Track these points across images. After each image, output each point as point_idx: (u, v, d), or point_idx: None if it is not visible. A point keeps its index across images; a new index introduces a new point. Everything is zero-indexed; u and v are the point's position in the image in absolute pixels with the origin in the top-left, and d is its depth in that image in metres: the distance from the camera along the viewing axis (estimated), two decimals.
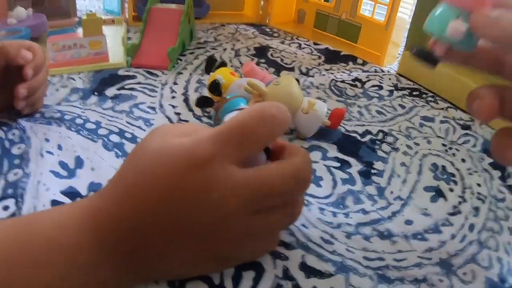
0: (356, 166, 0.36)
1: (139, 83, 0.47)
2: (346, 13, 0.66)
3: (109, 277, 0.21)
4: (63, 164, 0.32)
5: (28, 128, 0.36)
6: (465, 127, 0.46)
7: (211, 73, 0.43)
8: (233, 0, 0.76)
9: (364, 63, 0.60)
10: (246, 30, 0.69)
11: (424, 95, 0.52)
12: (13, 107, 0.35)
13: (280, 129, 0.23)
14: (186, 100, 0.44)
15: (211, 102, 0.41)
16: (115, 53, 0.53)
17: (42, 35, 0.58)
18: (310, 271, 0.26)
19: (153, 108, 0.42)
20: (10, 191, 0.29)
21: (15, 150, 0.33)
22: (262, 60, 0.56)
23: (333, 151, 0.38)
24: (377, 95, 0.50)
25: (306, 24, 0.74)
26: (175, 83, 0.48)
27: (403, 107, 0.48)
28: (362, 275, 0.26)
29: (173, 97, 0.44)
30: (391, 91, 0.52)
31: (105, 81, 0.46)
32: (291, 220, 0.26)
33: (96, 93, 0.43)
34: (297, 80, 0.40)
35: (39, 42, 0.57)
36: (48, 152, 0.33)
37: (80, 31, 0.53)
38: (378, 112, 0.46)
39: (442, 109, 0.50)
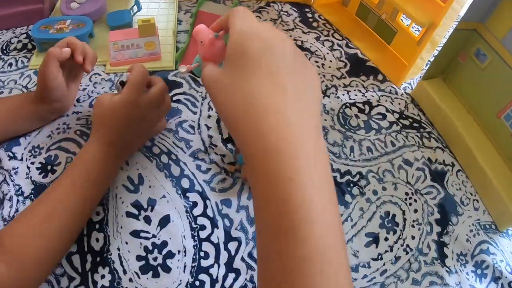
0: None
1: (184, 93, 0.57)
2: (386, 14, 0.68)
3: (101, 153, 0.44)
4: (130, 180, 0.47)
5: None
6: (438, 175, 0.55)
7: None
8: None
9: (384, 80, 0.65)
10: (289, 14, 0.73)
11: (422, 129, 0.59)
12: None
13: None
14: (218, 121, 0.55)
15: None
16: (166, 39, 0.62)
17: (101, 17, 0.66)
18: None
19: (192, 128, 0.53)
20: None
21: None
22: None
23: None
24: (376, 127, 0.58)
25: (350, 9, 0.75)
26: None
27: (393, 144, 0.57)
28: None
29: (209, 116, 0.55)
30: (391, 123, 0.59)
31: None
32: (167, 108, 0.49)
33: None
34: None
35: (99, 23, 0.66)
36: (120, 168, 0.48)
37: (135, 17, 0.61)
38: (368, 149, 0.55)
39: (431, 148, 0.57)
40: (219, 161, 0.50)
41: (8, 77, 0.59)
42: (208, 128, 0.54)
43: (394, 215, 0.50)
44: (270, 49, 0.31)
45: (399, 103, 0.62)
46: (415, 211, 0.51)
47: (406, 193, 0.52)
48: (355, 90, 0.63)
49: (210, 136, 0.53)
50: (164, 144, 0.51)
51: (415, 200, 0.52)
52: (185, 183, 0.48)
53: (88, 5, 0.66)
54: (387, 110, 0.61)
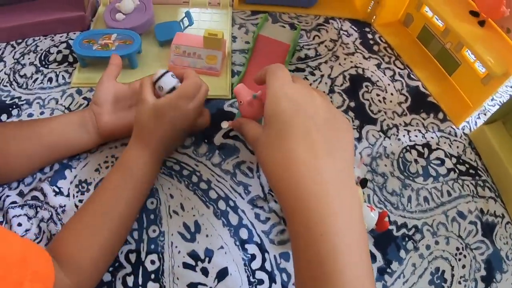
0: (379, 262, 0.50)
1: None
2: (451, 44, 0.65)
3: (145, 157, 0.46)
4: (186, 227, 0.47)
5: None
6: (488, 228, 0.56)
7: None
8: None
9: (444, 119, 0.64)
10: (349, 35, 0.69)
11: (477, 177, 0.59)
12: None
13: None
14: None
15: None
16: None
17: (148, 29, 0.63)
18: None
19: (251, 170, 0.52)
20: (152, 246, 0.45)
21: (149, 205, 0.48)
22: (352, 104, 0.62)
23: (369, 243, 0.50)
24: (434, 174, 0.58)
25: (411, 31, 0.72)
26: None
27: (449, 194, 0.57)
28: None
29: None
30: (449, 170, 0.59)
31: (212, 119, 0.53)
32: (201, 103, 0.49)
33: (206, 140, 0.54)
34: (365, 180, 0.50)
35: (145, 36, 0.63)
36: (174, 212, 0.48)
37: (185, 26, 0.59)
38: (425, 198, 0.56)
39: (484, 198, 0.58)
40: (278, 210, 0.51)
41: (49, 95, 0.57)
42: None
43: (443, 271, 0.52)
44: (302, 110, 0.34)
45: (458, 146, 0.62)
46: (463, 266, 0.53)
47: (457, 248, 0.54)
48: (415, 130, 0.62)
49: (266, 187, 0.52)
50: (222, 188, 0.51)
51: (465, 256, 0.53)
52: (243, 234, 0.48)
53: (135, 16, 0.62)
54: (445, 155, 0.60)
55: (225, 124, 0.48)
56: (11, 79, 0.60)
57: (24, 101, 0.57)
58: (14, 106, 0.56)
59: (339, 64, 0.65)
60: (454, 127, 0.63)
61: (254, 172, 0.53)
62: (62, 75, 0.59)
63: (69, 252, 0.39)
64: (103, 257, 0.41)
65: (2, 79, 0.60)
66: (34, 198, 0.47)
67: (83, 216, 0.42)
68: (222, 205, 0.50)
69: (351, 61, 0.66)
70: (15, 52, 0.62)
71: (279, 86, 0.36)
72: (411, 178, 0.57)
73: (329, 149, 0.33)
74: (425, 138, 0.61)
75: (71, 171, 0.50)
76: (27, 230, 0.45)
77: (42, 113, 0.55)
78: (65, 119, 0.49)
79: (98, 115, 0.49)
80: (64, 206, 0.47)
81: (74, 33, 0.64)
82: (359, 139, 0.58)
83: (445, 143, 0.61)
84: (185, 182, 0.51)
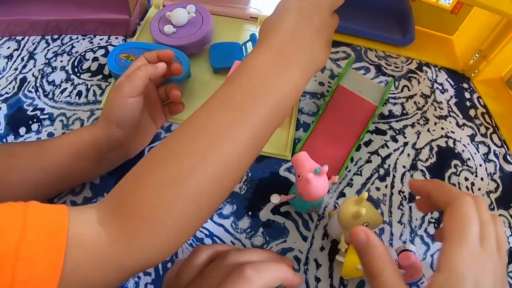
0: None
1: None
2: None
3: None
4: None
5: None
6: None
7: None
8: (446, 23, 0.59)
9: None
10: (443, 90, 0.57)
11: None
12: None
13: None
14: (332, 259, 0.42)
15: None
16: None
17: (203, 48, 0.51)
18: None
19: (298, 262, 0.42)
20: None
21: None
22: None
23: None
24: None
25: None
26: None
27: None
28: None
29: (322, 248, 0.43)
30: None
31: (262, 186, 0.44)
32: None
33: (250, 213, 0.44)
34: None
35: (198, 57, 0.52)
36: None
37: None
38: None
39: None
40: None
41: (75, 113, 0.49)
42: (318, 266, 0.42)
43: None
44: None
45: None
46: None
47: None
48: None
49: (317, 279, 0.42)
50: None
51: None
52: None
53: (187, 31, 0.50)
54: None
55: (275, 199, 0.40)
56: (38, 84, 0.50)
57: (47, 116, 0.48)
58: (35, 120, 0.48)
59: (428, 130, 0.53)
60: None
61: (302, 264, 0.43)
62: (94, 90, 0.50)
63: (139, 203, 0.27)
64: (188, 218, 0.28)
65: (29, 82, 0.51)
66: None
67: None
68: None
69: (442, 128, 0.54)
70: (48, 50, 0.53)
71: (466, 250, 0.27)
72: None
73: None
74: (509, 242, 0.51)
75: None
76: None
77: (63, 132, 0.47)
78: (76, 147, 0.39)
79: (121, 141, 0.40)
80: None
81: (116, 38, 0.54)
82: (433, 237, 0.48)
83: None
84: None
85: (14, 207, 0.22)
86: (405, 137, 0.52)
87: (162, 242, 0.26)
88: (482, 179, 0.53)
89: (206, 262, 0.34)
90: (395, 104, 0.54)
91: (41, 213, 0.23)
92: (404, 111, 0.54)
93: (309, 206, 0.43)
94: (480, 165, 0.53)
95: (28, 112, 0.48)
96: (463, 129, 0.55)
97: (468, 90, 0.59)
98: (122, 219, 0.25)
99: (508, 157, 0.55)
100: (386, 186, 0.48)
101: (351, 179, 0.47)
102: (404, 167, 0.50)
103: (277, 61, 0.31)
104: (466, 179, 0.52)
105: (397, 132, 0.52)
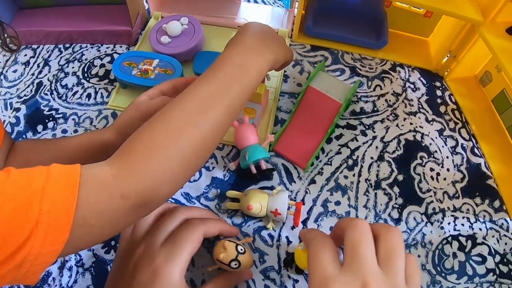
0: None
1: (272, 187, 0.52)
2: None
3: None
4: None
5: None
6: None
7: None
8: (420, 26, 0.63)
9: (499, 208, 0.57)
10: (415, 89, 0.62)
11: None
12: None
13: None
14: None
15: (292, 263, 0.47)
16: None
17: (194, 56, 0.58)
18: None
19: (272, 238, 0.48)
20: None
21: None
22: (400, 177, 0.56)
23: None
24: (470, 273, 0.52)
25: (487, 92, 0.63)
26: (303, 200, 0.51)
27: None
28: None
29: (293, 227, 0.49)
30: (489, 270, 0.52)
31: (242, 174, 0.51)
32: None
33: None
34: None
35: (189, 64, 0.59)
36: None
37: None
38: None
39: None
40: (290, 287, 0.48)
41: (85, 113, 0.56)
42: (289, 242, 0.50)
43: None
44: None
45: (506, 243, 0.55)
46: None
47: None
48: (463, 217, 0.56)
49: (288, 253, 0.49)
50: None
51: None
52: None
53: (181, 41, 0.57)
54: (489, 252, 0.55)
55: (232, 167, 0.50)
56: (53, 88, 0.58)
57: (61, 115, 0.56)
58: (51, 118, 0.56)
59: (397, 125, 0.59)
60: (508, 219, 0.57)
61: (275, 240, 0.50)
62: (101, 93, 0.57)
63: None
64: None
65: (45, 85, 0.59)
66: None
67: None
68: None
69: (411, 123, 0.59)
70: (61, 58, 0.61)
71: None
72: (443, 275, 0.53)
73: None
74: (472, 228, 0.55)
75: None
76: None
77: (75, 131, 0.55)
78: (85, 148, 0.46)
79: None
80: None
81: (121, 46, 0.62)
82: (397, 221, 0.53)
83: (493, 236, 0.55)
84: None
85: (40, 166, 0.29)
86: (374, 132, 0.58)
87: (159, 174, 0.32)
88: (448, 169, 0.58)
89: (157, 218, 0.43)
90: (366, 102, 0.60)
91: (60, 166, 0.29)
92: (375, 108, 0.60)
93: (248, 162, 0.49)
94: (447, 157, 0.58)
95: (45, 112, 0.56)
96: (432, 124, 0.60)
97: (440, 88, 0.63)
98: (125, 156, 0.32)
99: (476, 150, 0.60)
100: (354, 175, 0.54)
101: (322, 168, 0.54)
102: (372, 158, 0.55)
103: (247, 53, 0.41)
104: (432, 169, 0.57)
105: (367, 127, 0.58)
